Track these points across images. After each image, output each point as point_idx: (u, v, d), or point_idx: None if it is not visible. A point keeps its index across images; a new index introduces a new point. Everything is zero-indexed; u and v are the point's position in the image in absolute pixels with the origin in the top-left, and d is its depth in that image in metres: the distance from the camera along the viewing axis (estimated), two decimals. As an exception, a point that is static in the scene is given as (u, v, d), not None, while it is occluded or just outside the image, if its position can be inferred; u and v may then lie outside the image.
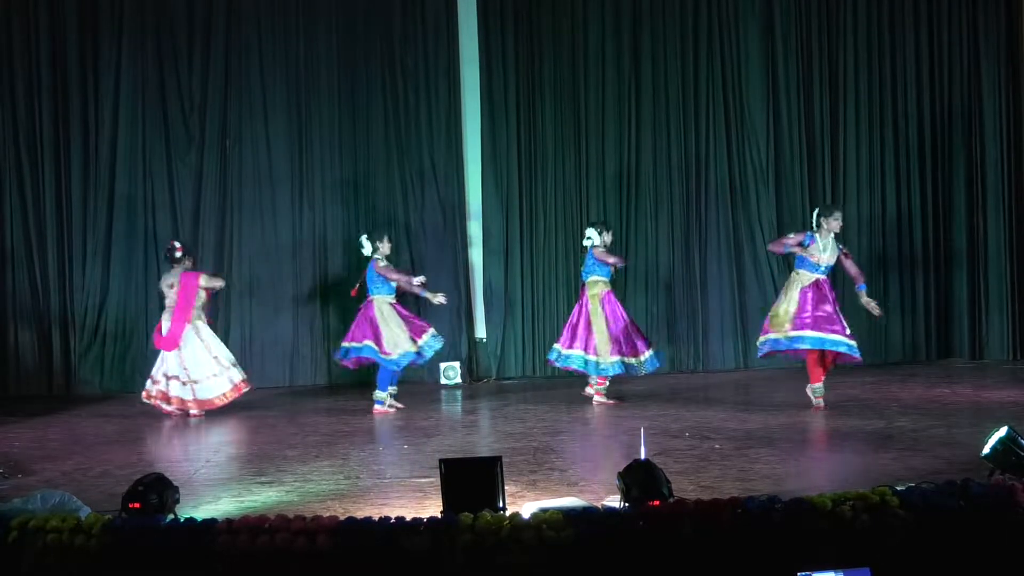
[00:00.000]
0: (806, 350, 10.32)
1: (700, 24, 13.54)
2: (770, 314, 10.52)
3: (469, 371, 13.21)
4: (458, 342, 13.21)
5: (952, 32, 13.73)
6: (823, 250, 10.25)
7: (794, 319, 10.21)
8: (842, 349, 10.17)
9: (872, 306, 10.40)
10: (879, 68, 13.68)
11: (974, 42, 13.72)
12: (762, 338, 10.53)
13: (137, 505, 5.93)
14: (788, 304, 10.30)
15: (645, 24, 13.48)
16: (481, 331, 13.42)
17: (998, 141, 13.64)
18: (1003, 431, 6.62)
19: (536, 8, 13.40)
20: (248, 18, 13.18)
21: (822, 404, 10.24)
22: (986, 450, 6.68)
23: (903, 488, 5.95)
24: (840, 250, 10.33)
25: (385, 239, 11.19)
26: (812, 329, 10.17)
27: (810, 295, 10.21)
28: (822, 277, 10.29)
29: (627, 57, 13.47)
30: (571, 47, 13.45)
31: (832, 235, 10.31)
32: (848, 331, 10.19)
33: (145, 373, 12.55)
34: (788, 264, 13.30)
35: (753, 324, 13.46)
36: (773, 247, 10.95)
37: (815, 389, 10.29)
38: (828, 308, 10.18)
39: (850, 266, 10.41)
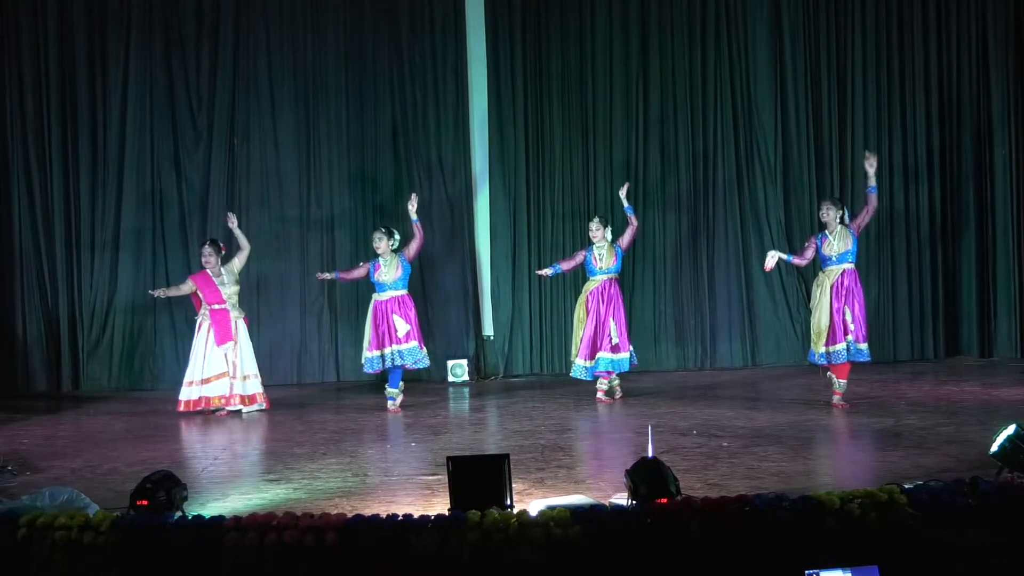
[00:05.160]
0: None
1: (708, 21, 13.53)
2: (812, 329, 10.46)
3: (476, 369, 13.21)
4: (465, 340, 13.22)
5: (960, 29, 13.69)
6: (835, 242, 10.22)
7: (832, 334, 10.18)
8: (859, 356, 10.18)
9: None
10: (887, 66, 13.66)
11: (983, 40, 13.68)
12: (815, 348, 10.34)
13: (145, 502, 5.94)
14: (820, 317, 10.27)
15: (653, 22, 13.47)
16: (489, 329, 13.43)
17: (1006, 138, 13.61)
18: (1011, 429, 6.62)
19: (544, 5, 13.39)
20: (256, 15, 13.20)
21: (839, 402, 10.19)
22: (994, 448, 6.69)
23: (911, 486, 5.95)
24: (850, 226, 10.24)
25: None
26: (844, 339, 10.15)
27: (838, 304, 10.15)
28: (848, 267, 10.21)
29: (634, 55, 13.46)
30: (578, 45, 13.44)
31: (839, 224, 10.26)
32: (854, 334, 10.15)
33: (155, 370, 12.61)
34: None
35: (760, 321, 13.50)
36: (798, 262, 10.86)
37: (840, 384, 10.24)
38: (846, 313, 10.14)
39: (864, 213, 10.32)
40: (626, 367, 11.14)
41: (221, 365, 11.02)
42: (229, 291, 11.11)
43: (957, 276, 13.74)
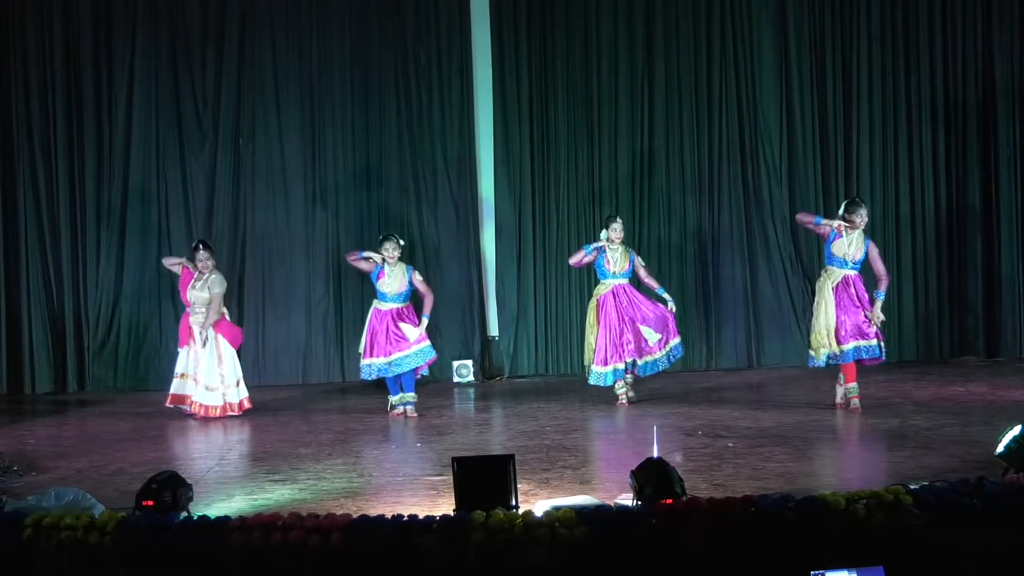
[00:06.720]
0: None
1: (713, 21, 13.51)
2: (812, 333, 10.25)
3: (482, 369, 13.21)
4: (471, 340, 13.22)
5: (966, 29, 13.67)
6: (848, 245, 10.09)
7: (837, 335, 10.01)
8: (876, 354, 10.07)
9: (877, 317, 10.10)
10: (892, 66, 13.63)
11: (988, 39, 13.66)
12: (815, 353, 10.18)
13: (151, 503, 5.94)
14: (827, 318, 10.07)
15: (658, 22, 13.46)
16: (494, 329, 13.42)
17: (1011, 138, 13.58)
18: (1017, 429, 6.61)
19: (549, 5, 13.39)
20: (262, 16, 13.19)
21: (858, 405, 10.01)
22: (1000, 448, 6.68)
23: (917, 486, 5.95)
24: (867, 245, 10.15)
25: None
26: (853, 340, 10.03)
27: (843, 303, 10.02)
28: (851, 273, 10.11)
29: (640, 55, 13.45)
30: (584, 45, 13.42)
31: (859, 231, 10.09)
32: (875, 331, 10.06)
33: (160, 371, 12.56)
34: (802, 262, 13.35)
35: (766, 322, 13.49)
36: (801, 217, 10.70)
37: (850, 389, 10.09)
38: (859, 313, 10.03)
39: (876, 266, 10.18)
40: (651, 370, 11.02)
41: (183, 365, 10.94)
42: (195, 296, 10.86)
43: (963, 276, 13.71)
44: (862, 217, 10.09)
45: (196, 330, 10.84)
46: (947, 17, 13.68)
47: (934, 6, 13.67)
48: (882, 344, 10.11)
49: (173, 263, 11.27)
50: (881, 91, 13.63)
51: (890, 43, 13.64)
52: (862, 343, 10.02)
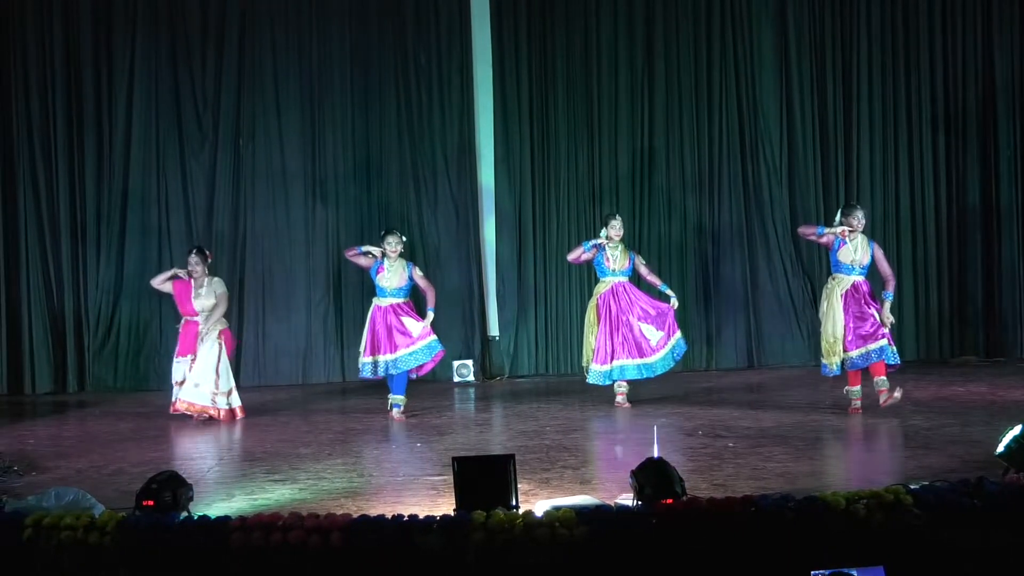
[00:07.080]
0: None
1: (713, 21, 13.53)
2: (822, 341, 10.12)
3: (482, 369, 13.21)
4: (471, 340, 13.21)
5: (967, 29, 13.68)
6: (854, 250, 10.02)
7: (846, 342, 9.92)
8: (887, 355, 9.99)
9: (887, 318, 10.03)
10: (892, 67, 13.65)
11: (988, 40, 13.67)
12: (828, 360, 10.04)
13: (151, 503, 5.94)
14: (834, 326, 9.97)
15: (658, 22, 13.47)
16: (494, 329, 13.42)
17: (1011, 138, 13.59)
18: (1017, 429, 6.60)
19: (549, 5, 13.39)
20: (262, 16, 13.20)
21: (859, 407, 9.94)
22: (1000, 448, 6.67)
23: (917, 486, 5.94)
24: (872, 247, 10.09)
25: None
26: (860, 346, 9.97)
27: (851, 310, 9.94)
28: (859, 279, 10.03)
29: (640, 55, 13.46)
30: (584, 44, 13.44)
31: (860, 234, 10.03)
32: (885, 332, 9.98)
33: (161, 371, 12.55)
34: (802, 262, 13.35)
35: (766, 322, 13.48)
36: (803, 230, 10.62)
37: (852, 391, 10.01)
38: (868, 320, 9.94)
39: (882, 267, 10.13)
40: (660, 369, 10.92)
41: (181, 373, 10.77)
42: (201, 304, 10.72)
43: (963, 276, 13.72)
44: (860, 220, 10.04)
45: (204, 339, 10.63)
46: (947, 17, 13.69)
47: (934, 6, 13.69)
48: (893, 347, 10.01)
49: (163, 280, 11.07)
50: (881, 91, 13.64)
51: (890, 43, 13.66)
52: (872, 346, 9.93)
